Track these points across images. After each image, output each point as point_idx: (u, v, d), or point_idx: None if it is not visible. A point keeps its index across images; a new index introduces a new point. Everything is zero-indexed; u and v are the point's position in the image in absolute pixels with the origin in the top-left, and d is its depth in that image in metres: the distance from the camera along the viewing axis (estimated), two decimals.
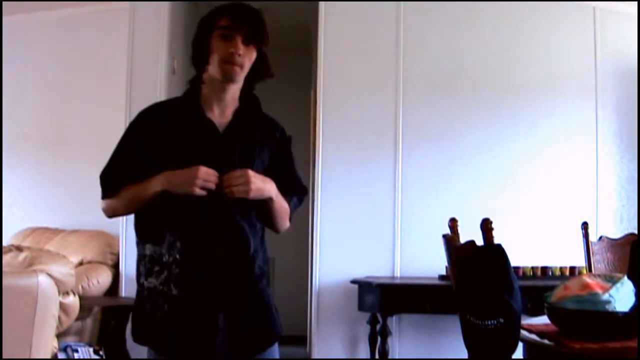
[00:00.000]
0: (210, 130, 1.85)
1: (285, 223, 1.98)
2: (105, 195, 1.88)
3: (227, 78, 1.83)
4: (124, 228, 4.26)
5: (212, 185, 1.75)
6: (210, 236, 1.80)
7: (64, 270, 2.85)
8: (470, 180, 4.36)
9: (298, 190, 2.00)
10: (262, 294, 1.88)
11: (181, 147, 1.82)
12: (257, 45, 1.84)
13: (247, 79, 1.89)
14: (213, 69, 1.84)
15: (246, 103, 1.92)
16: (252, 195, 1.77)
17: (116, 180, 1.86)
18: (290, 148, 2.01)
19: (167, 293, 1.79)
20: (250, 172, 1.77)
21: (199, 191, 1.74)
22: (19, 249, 2.89)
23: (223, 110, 1.88)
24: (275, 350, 1.92)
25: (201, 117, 1.85)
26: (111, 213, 1.91)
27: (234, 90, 1.88)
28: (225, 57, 1.80)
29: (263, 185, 1.80)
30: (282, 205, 1.91)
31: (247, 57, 1.83)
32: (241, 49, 1.81)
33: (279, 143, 1.97)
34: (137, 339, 1.87)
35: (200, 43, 1.86)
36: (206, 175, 1.74)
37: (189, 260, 1.79)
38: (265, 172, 1.87)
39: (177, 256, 1.79)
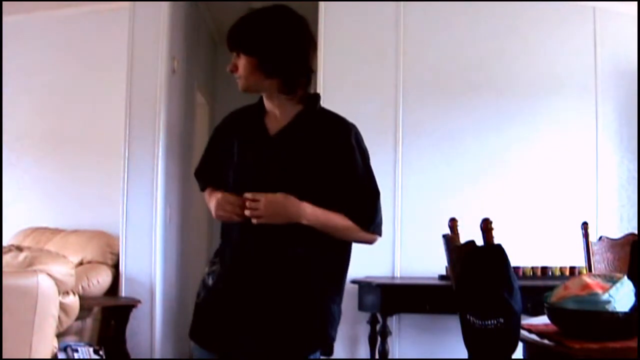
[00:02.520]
0: (261, 134, 1.87)
1: (357, 237, 1.88)
2: (201, 190, 2.06)
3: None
4: (124, 228, 4.26)
5: (233, 216, 1.78)
6: (244, 239, 1.83)
7: (64, 270, 2.85)
8: (470, 180, 4.35)
9: (358, 198, 1.84)
10: (296, 302, 1.80)
11: (238, 152, 1.88)
12: (241, 51, 1.81)
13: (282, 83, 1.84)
14: None
15: (306, 104, 1.88)
16: (264, 221, 1.74)
17: (200, 179, 2.03)
18: (352, 150, 1.85)
19: (206, 282, 1.89)
20: (267, 199, 1.74)
21: (222, 216, 1.82)
22: (19, 249, 2.89)
23: (280, 115, 1.87)
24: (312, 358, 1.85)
25: (257, 122, 1.89)
26: None
27: (270, 96, 1.86)
28: None
29: (282, 212, 1.75)
30: (335, 223, 1.81)
31: (241, 66, 1.83)
32: (234, 62, 1.84)
33: (336, 146, 1.83)
34: None
35: None
36: (224, 204, 1.80)
37: (226, 258, 1.87)
38: (324, 175, 1.81)
39: (224, 253, 1.89)
